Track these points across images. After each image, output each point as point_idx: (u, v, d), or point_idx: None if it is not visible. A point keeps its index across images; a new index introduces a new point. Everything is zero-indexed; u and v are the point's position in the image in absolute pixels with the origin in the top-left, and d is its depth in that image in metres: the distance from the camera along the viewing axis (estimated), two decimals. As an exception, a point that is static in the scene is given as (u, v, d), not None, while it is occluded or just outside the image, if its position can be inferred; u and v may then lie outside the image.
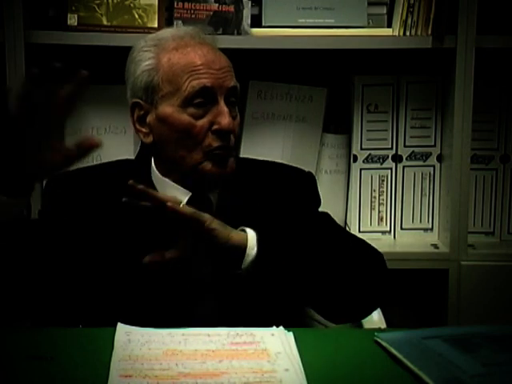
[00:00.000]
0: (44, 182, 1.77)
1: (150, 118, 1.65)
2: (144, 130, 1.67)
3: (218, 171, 1.64)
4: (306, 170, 1.82)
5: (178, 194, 1.66)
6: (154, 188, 1.68)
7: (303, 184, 1.77)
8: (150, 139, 1.67)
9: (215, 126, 1.62)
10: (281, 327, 1.39)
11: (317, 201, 1.78)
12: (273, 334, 1.37)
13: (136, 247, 1.57)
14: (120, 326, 1.38)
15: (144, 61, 1.65)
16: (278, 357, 1.28)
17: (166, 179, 1.68)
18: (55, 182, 1.72)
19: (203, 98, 1.62)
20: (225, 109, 1.62)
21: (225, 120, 1.61)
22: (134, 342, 1.33)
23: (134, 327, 1.38)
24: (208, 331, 1.37)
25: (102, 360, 1.26)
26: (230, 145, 1.64)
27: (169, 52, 1.64)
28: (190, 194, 1.66)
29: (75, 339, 1.38)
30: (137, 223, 1.59)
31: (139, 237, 1.60)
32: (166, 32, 1.70)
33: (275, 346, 1.32)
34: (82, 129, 2.23)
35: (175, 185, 1.67)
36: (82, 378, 1.23)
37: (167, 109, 1.63)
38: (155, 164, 1.70)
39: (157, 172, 1.69)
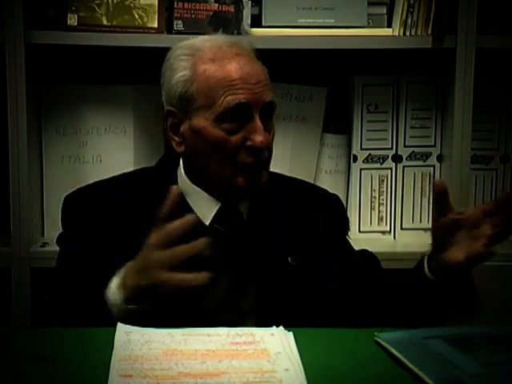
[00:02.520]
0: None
1: (183, 128, 1.63)
2: (177, 138, 1.65)
3: (250, 186, 1.62)
4: (332, 192, 1.84)
5: (207, 204, 1.65)
6: (182, 195, 1.67)
7: (335, 208, 1.80)
8: (181, 149, 1.65)
9: (249, 143, 1.60)
10: (281, 327, 1.39)
11: (346, 226, 1.81)
12: (273, 334, 1.36)
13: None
14: (120, 326, 1.38)
15: (180, 70, 1.62)
16: (278, 357, 1.28)
17: (197, 187, 1.66)
18: (72, 201, 1.69)
19: (238, 114, 1.59)
20: (259, 125, 1.60)
21: (259, 137, 1.59)
22: (134, 341, 1.33)
23: (134, 327, 1.38)
24: (208, 331, 1.37)
25: (102, 360, 1.26)
26: (263, 160, 1.62)
27: (205, 63, 1.61)
28: (220, 204, 1.66)
29: (75, 339, 1.37)
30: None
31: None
32: (204, 41, 1.66)
33: (275, 346, 1.32)
34: (81, 129, 2.23)
35: (205, 194, 1.66)
36: (81, 378, 1.23)
37: (201, 122, 1.61)
38: (185, 172, 1.68)
39: (187, 180, 1.67)
